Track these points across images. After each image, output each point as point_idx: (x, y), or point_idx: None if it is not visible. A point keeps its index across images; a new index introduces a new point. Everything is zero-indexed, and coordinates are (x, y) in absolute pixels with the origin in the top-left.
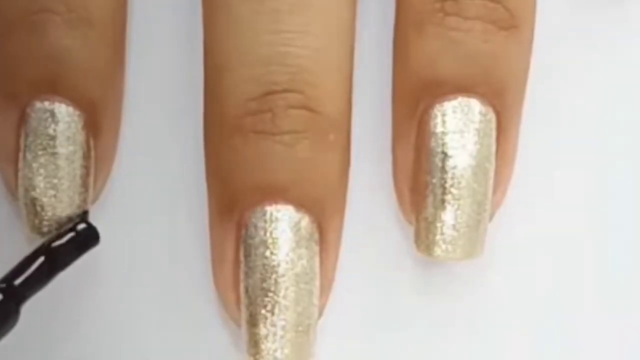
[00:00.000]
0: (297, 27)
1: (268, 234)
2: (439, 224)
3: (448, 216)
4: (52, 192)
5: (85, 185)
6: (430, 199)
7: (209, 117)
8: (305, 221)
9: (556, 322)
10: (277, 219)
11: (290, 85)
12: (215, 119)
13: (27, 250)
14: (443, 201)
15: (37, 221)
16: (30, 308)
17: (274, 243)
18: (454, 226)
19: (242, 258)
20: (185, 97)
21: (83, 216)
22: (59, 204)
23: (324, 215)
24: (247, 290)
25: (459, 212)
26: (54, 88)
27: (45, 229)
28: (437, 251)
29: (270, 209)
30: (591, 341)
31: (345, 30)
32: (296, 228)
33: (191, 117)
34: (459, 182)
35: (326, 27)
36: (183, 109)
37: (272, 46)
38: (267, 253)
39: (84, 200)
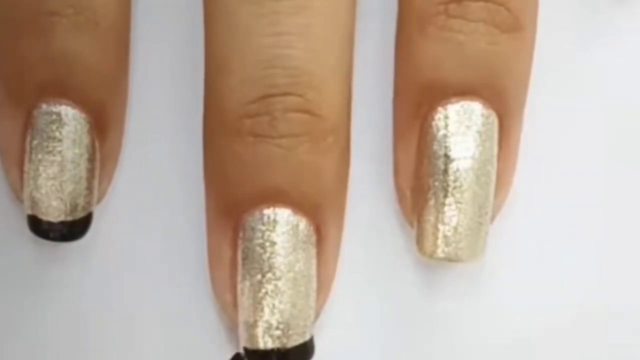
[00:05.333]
0: (296, 29)
1: (265, 237)
2: (440, 227)
3: (450, 219)
4: (56, 194)
5: (90, 187)
6: (432, 202)
7: (208, 119)
8: (303, 224)
9: (558, 323)
10: (274, 221)
11: (289, 88)
12: (215, 121)
13: (28, 251)
14: (445, 204)
15: (41, 223)
16: (30, 308)
17: (271, 246)
18: (455, 229)
19: (239, 260)
20: (187, 99)
21: (87, 219)
22: (63, 205)
23: (323, 218)
24: (243, 292)
25: (460, 214)
26: (61, 90)
27: (47, 231)
28: (439, 253)
29: (268, 211)
30: (594, 341)
31: (345, 32)
32: (293, 231)
33: (192, 119)
34: (461, 185)
35: (326, 29)
36: (184, 111)
37: (272, 48)
38: (264, 256)
39: (89, 203)
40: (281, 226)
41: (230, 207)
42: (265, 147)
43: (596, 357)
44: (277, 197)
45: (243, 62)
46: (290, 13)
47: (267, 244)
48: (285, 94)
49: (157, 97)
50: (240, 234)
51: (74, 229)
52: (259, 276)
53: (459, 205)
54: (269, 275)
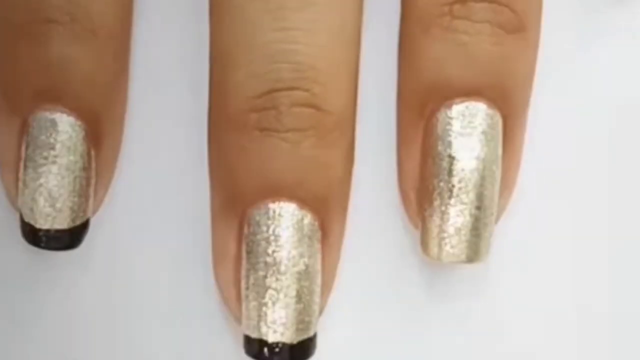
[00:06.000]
0: (302, 25)
1: (270, 231)
2: (445, 227)
3: (454, 219)
4: (51, 202)
5: (85, 195)
6: (436, 203)
7: (214, 114)
8: (308, 219)
9: (562, 324)
10: (280, 216)
11: (295, 83)
12: (221, 115)
13: (28, 251)
14: (449, 204)
15: (36, 232)
16: (32, 309)
17: (276, 240)
18: (460, 230)
19: (243, 254)
20: (186, 101)
21: (83, 228)
22: (58, 214)
23: (327, 213)
24: (248, 287)
25: (465, 215)
26: (57, 98)
27: (43, 240)
28: (443, 254)
29: (273, 206)
30: (599, 343)
31: (351, 28)
32: (299, 225)
33: (193, 119)
34: (466, 186)
35: (332, 25)
36: (184, 112)
37: (278, 43)
38: (269, 250)
39: (84, 211)
40: (286, 220)
41: (235, 201)
42: (271, 141)
43: (604, 356)
44: (283, 191)
45: (249, 57)
46: (297, 9)
47: (272, 238)
48: (291, 88)
49: (156, 98)
50: (245, 228)
51: (69, 237)
52: (264, 270)
53: (463, 206)
54: (273, 269)
